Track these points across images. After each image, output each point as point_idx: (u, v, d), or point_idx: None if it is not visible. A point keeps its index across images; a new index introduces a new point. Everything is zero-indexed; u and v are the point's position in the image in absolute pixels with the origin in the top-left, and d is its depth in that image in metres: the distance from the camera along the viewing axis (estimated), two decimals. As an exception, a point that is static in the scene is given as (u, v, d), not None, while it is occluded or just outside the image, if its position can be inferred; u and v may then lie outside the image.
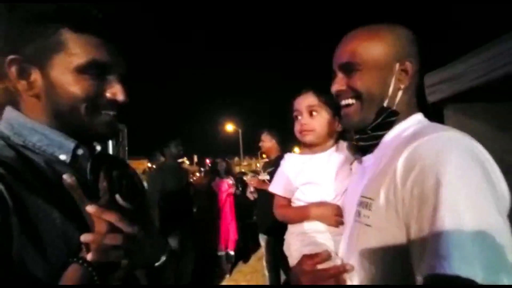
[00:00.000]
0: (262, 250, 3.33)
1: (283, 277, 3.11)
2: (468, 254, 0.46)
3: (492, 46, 1.69)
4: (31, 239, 0.52)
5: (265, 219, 2.97)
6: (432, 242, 0.49)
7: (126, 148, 3.53)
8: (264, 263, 3.29)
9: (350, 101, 0.75)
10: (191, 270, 3.34)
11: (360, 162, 0.82)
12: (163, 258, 0.68)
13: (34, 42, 0.60)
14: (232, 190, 4.18)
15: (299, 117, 1.06)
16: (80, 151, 0.68)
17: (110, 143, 3.14)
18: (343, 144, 1.08)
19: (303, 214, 1.00)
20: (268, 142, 3.11)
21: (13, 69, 0.61)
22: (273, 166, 2.86)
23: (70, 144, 0.66)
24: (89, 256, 0.52)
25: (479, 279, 0.44)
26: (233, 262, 4.21)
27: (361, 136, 0.78)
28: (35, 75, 0.62)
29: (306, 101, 1.04)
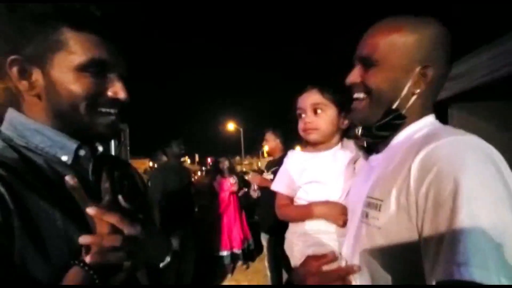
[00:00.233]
0: (264, 250, 3.33)
1: (285, 276, 3.11)
2: (487, 261, 0.45)
3: (497, 44, 1.68)
4: (32, 240, 0.52)
5: (267, 219, 2.97)
6: (449, 247, 0.48)
7: (128, 148, 3.54)
8: (266, 263, 3.29)
9: (361, 95, 0.72)
10: (192, 269, 3.34)
11: (366, 161, 0.81)
12: (168, 259, 0.68)
13: (34, 42, 0.60)
14: (235, 188, 4.12)
15: (303, 115, 1.04)
16: (82, 152, 0.68)
17: (112, 142, 3.14)
18: (348, 143, 1.06)
19: (307, 212, 0.98)
20: (272, 141, 3.10)
21: (14, 70, 0.61)
22: (276, 165, 2.85)
23: (72, 145, 0.66)
24: (89, 258, 0.52)
25: (492, 283, 0.43)
26: (239, 261, 4.19)
27: (366, 132, 0.77)
28: (36, 75, 0.62)
29: (311, 98, 1.02)
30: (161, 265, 0.67)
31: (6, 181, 0.53)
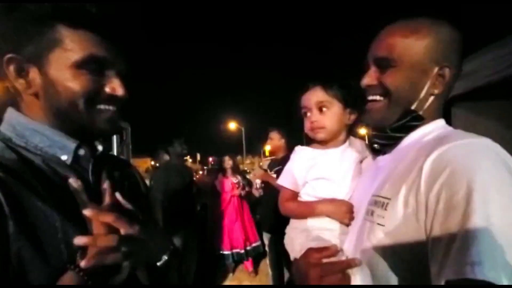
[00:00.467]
0: (266, 249, 3.33)
1: (286, 275, 3.11)
2: (500, 262, 0.45)
3: (501, 45, 1.66)
4: (30, 243, 0.52)
5: (269, 217, 2.97)
6: (462, 248, 0.48)
7: (130, 147, 3.54)
8: (268, 262, 3.29)
9: (377, 97, 0.72)
10: (194, 268, 3.35)
11: (373, 161, 0.80)
12: (165, 257, 0.67)
13: (30, 40, 0.60)
14: (236, 192, 4.00)
15: (309, 114, 1.03)
16: (81, 152, 0.68)
17: (114, 141, 3.15)
18: (354, 141, 1.06)
19: (312, 209, 0.98)
20: (277, 141, 3.10)
21: (11, 68, 0.61)
22: (279, 165, 2.84)
23: (72, 144, 0.66)
24: (84, 260, 0.51)
25: (504, 283, 0.44)
26: (240, 262, 4.12)
27: (378, 134, 0.76)
28: (33, 73, 0.62)
29: (315, 96, 1.01)
30: (159, 264, 0.66)
31: (2, 182, 0.52)
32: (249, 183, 4.15)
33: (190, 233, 3.27)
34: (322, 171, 1.00)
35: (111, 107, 0.68)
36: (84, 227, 0.58)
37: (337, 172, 0.98)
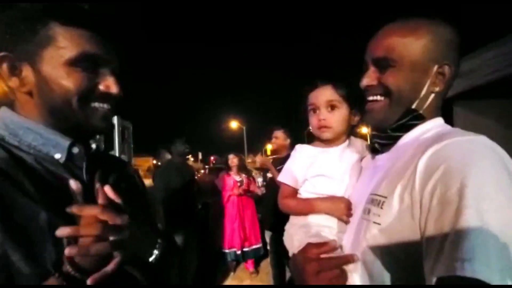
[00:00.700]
0: (267, 247, 3.34)
1: (288, 274, 3.12)
2: (491, 259, 0.45)
3: (501, 43, 1.66)
4: (16, 243, 0.51)
5: (270, 216, 2.97)
6: (453, 244, 0.48)
7: (132, 146, 3.56)
8: (269, 260, 3.29)
9: (378, 97, 0.72)
10: (195, 267, 3.36)
11: (372, 159, 0.81)
12: (156, 252, 0.65)
13: (23, 38, 0.60)
14: (236, 192, 3.92)
15: (317, 112, 1.03)
16: (75, 150, 0.67)
17: (116, 141, 3.16)
18: (355, 140, 1.06)
19: (311, 206, 0.99)
20: (282, 140, 3.10)
21: (4, 67, 0.61)
22: (283, 163, 2.83)
23: (65, 142, 0.65)
24: (69, 249, 0.50)
25: (493, 282, 0.43)
26: (239, 261, 4.09)
27: (379, 134, 0.76)
28: (26, 71, 0.62)
29: (325, 95, 1.01)
30: (151, 259, 0.65)
31: None
32: (254, 180, 4.06)
33: (191, 231, 3.28)
34: (322, 169, 1.01)
35: (105, 105, 0.68)
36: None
37: (337, 170, 0.99)
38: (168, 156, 3.65)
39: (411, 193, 0.58)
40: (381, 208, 0.64)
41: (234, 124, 26.20)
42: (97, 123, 0.67)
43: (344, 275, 0.72)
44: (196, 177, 3.97)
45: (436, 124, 0.70)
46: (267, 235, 3.28)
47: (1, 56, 0.60)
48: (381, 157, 0.77)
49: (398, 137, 0.72)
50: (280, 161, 3.03)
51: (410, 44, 0.67)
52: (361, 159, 0.98)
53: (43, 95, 0.62)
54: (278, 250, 3.05)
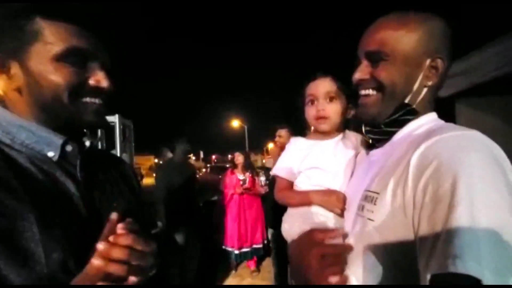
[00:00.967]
0: (270, 245, 3.34)
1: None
2: (482, 256, 0.44)
3: (504, 40, 1.64)
4: (7, 242, 0.50)
5: (272, 213, 2.98)
6: (445, 241, 0.48)
7: (133, 144, 3.57)
8: (271, 258, 3.30)
9: (370, 91, 0.71)
10: (196, 265, 3.37)
11: (367, 155, 0.80)
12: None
13: (9, 35, 0.59)
14: (238, 190, 3.87)
15: (315, 103, 1.03)
16: (69, 148, 0.67)
17: (117, 139, 3.17)
18: (350, 134, 1.07)
19: (306, 198, 1.00)
20: (286, 139, 3.08)
21: None
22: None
23: (58, 140, 0.65)
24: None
25: (486, 280, 0.43)
26: (239, 262, 4.04)
27: (371, 129, 0.76)
28: (15, 69, 0.61)
29: (324, 86, 1.02)
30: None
31: None
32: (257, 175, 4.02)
33: (192, 230, 3.29)
34: (316, 161, 1.02)
35: (96, 100, 0.67)
36: (65, 227, 0.57)
37: (331, 163, 1.00)
38: (170, 155, 3.65)
39: (403, 189, 0.58)
40: (374, 204, 0.64)
41: (235, 123, 26.22)
42: (89, 118, 0.67)
43: (343, 263, 0.71)
44: (197, 176, 3.97)
45: (429, 119, 0.69)
46: (270, 232, 3.28)
47: None
48: (375, 152, 0.76)
49: (392, 133, 0.72)
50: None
51: (403, 37, 0.66)
52: (356, 152, 0.98)
53: (33, 92, 0.62)
54: (280, 248, 3.05)
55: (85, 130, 0.74)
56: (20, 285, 0.50)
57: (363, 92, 0.73)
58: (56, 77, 0.61)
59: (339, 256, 0.71)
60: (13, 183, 0.55)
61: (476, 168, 0.50)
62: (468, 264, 0.44)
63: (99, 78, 0.66)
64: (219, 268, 4.08)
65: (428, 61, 0.66)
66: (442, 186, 0.51)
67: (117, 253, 0.52)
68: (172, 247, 3.10)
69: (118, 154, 3.18)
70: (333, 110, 1.02)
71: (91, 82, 0.66)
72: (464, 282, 0.44)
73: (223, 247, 3.95)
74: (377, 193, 0.64)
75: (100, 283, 0.52)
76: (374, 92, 0.71)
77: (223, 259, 4.03)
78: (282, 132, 3.09)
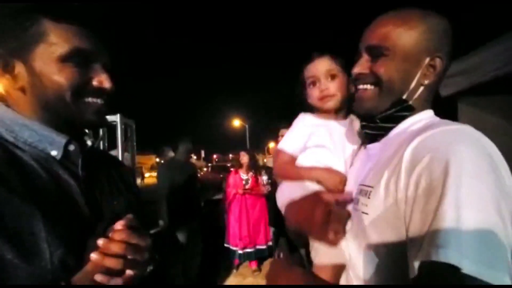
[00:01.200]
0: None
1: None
2: (464, 246, 0.46)
3: (506, 39, 1.64)
4: (10, 242, 0.51)
5: (275, 212, 2.98)
6: (432, 232, 0.49)
7: (135, 144, 3.58)
8: (273, 257, 3.30)
9: (368, 86, 0.72)
10: (198, 263, 3.38)
11: (365, 149, 0.81)
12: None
13: (14, 35, 0.60)
14: (240, 191, 3.87)
15: (317, 84, 1.02)
16: (71, 147, 0.68)
17: (119, 139, 3.18)
18: (356, 122, 1.04)
19: (307, 173, 0.98)
20: None
21: None
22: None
23: (62, 139, 0.66)
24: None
25: (465, 269, 0.44)
26: (241, 261, 4.02)
27: (367, 124, 0.77)
28: (19, 68, 0.62)
29: (324, 65, 1.01)
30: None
31: None
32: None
33: (195, 229, 3.30)
34: (323, 139, 1.01)
35: (98, 100, 0.68)
36: (68, 224, 0.58)
37: (337, 144, 0.99)
38: (171, 154, 3.66)
39: (396, 182, 0.59)
40: (368, 198, 0.65)
41: (236, 122, 26.21)
42: (90, 118, 0.68)
43: (341, 233, 0.72)
44: (199, 175, 3.97)
45: (425, 116, 0.70)
46: (271, 231, 3.29)
47: None
48: (373, 146, 0.77)
49: (388, 129, 0.72)
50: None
51: (404, 33, 0.67)
52: (359, 143, 0.97)
53: (36, 91, 0.63)
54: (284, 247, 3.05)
55: (86, 130, 0.76)
56: (20, 285, 0.51)
57: (360, 86, 0.74)
58: (59, 77, 0.62)
59: (343, 218, 0.72)
60: (18, 181, 0.56)
61: (466, 162, 0.51)
62: (449, 253, 0.45)
63: (101, 79, 0.67)
64: (221, 267, 4.09)
65: (427, 60, 0.67)
66: (433, 179, 0.52)
67: (113, 247, 0.55)
68: (174, 246, 3.11)
69: (120, 154, 3.19)
70: (337, 87, 1.00)
71: (94, 82, 0.67)
72: (447, 271, 0.45)
73: (226, 245, 3.95)
74: (371, 187, 0.65)
75: (99, 276, 0.54)
76: (372, 87, 0.72)
77: (225, 258, 4.04)
78: (285, 132, 3.10)
